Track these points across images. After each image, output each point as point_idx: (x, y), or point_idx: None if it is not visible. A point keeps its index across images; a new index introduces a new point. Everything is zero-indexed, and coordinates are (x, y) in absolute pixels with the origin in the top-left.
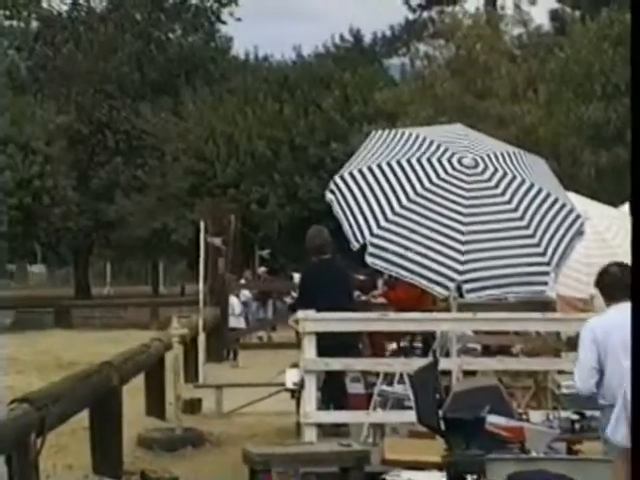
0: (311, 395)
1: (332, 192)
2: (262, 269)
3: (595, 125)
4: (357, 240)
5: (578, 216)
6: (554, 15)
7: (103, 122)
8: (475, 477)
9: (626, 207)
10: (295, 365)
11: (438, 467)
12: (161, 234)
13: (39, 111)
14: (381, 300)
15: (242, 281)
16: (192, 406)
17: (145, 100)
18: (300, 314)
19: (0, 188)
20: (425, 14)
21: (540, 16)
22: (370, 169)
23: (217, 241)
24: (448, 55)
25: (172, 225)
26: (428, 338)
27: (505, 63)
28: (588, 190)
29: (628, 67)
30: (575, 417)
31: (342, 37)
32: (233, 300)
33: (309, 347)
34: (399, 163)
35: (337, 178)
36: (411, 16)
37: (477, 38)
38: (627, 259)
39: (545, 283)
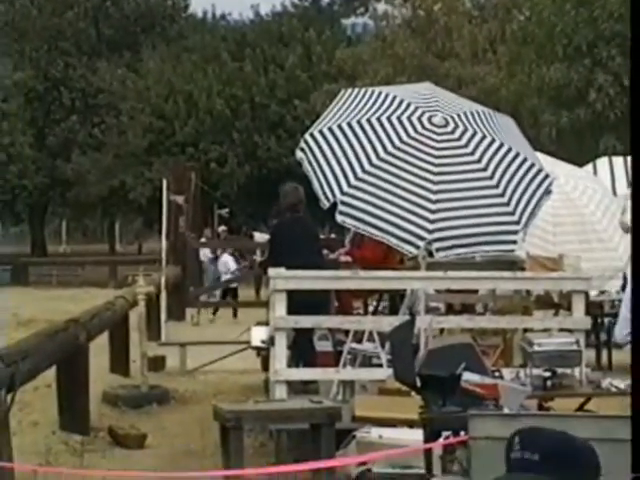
0: (281, 353)
1: (302, 150)
2: (222, 228)
3: (556, 86)
4: (327, 198)
5: (546, 176)
6: None
7: (59, 79)
8: (451, 433)
9: (589, 167)
10: (260, 323)
11: (408, 424)
12: (118, 192)
13: None
14: (346, 258)
15: (202, 240)
16: (156, 364)
17: (101, 58)
18: (271, 272)
19: None
20: None
21: None
22: (340, 127)
23: (179, 199)
24: (407, 15)
25: (130, 183)
26: (395, 297)
27: (465, 24)
28: (549, 150)
29: (589, 28)
30: (547, 374)
31: None
32: (227, 258)
33: (280, 305)
34: (369, 121)
35: (307, 136)
36: None
37: None
38: (593, 219)
39: (514, 242)
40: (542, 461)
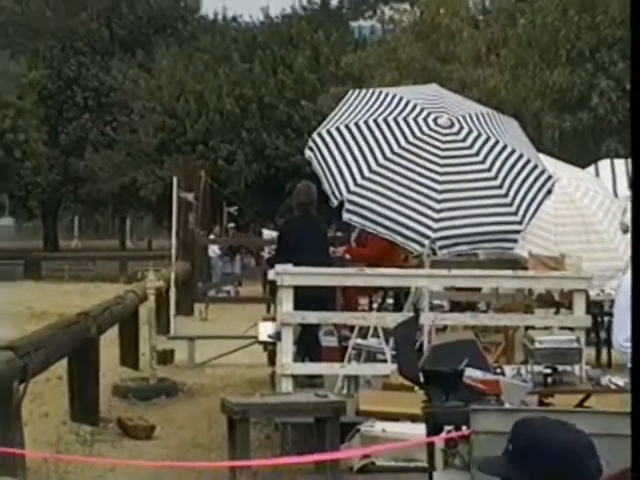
0: (288, 347)
1: (311, 149)
2: (230, 225)
3: (559, 90)
4: (335, 197)
5: (549, 177)
6: None
7: (72, 78)
8: (453, 427)
9: (591, 169)
10: (267, 318)
11: (411, 418)
12: (129, 189)
13: (11, 65)
14: (347, 256)
15: (211, 237)
16: (165, 357)
17: (114, 57)
18: (278, 268)
19: None
20: None
21: None
22: (347, 127)
23: (189, 196)
24: (413, 19)
25: (141, 181)
26: (400, 294)
27: (467, 28)
28: (551, 153)
29: (592, 34)
30: (547, 371)
31: None
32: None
33: (287, 301)
34: (376, 122)
35: (315, 136)
36: None
37: (440, 3)
38: (595, 219)
39: (515, 241)
40: (512, 452)
